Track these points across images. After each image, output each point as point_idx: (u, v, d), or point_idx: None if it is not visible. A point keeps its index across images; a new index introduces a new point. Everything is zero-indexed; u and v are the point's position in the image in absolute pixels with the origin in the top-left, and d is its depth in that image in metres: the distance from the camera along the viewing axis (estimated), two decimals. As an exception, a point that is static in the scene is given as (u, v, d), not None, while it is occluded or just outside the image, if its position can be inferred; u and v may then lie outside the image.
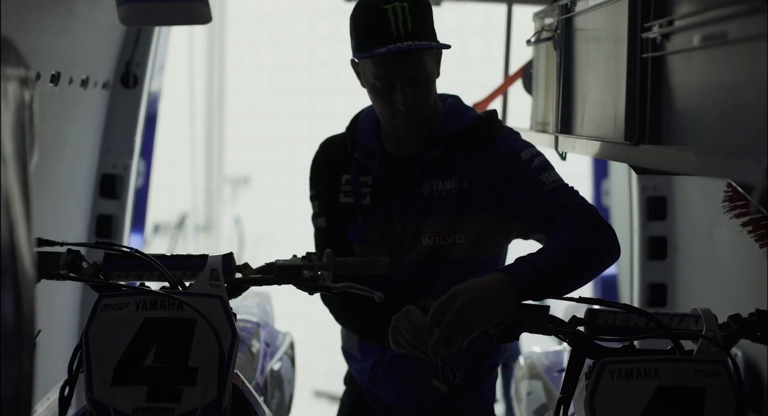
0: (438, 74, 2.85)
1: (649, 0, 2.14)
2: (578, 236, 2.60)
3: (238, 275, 2.59)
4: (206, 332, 2.43)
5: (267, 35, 9.32)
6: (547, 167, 2.79)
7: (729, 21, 1.71)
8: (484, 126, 2.88)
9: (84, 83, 3.76)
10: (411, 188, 2.86)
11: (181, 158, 9.13)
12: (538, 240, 2.85)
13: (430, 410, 2.97)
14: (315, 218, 3.01)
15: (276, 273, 2.59)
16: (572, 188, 2.77)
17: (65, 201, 3.95)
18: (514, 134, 2.88)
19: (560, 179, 2.77)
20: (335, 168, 2.97)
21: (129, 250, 2.62)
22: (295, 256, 2.62)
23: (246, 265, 2.59)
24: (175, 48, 4.73)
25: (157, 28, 4.34)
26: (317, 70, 8.94)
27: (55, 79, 3.35)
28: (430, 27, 2.81)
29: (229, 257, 2.56)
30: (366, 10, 2.81)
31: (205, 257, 2.55)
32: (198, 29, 8.90)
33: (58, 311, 4.02)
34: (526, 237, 2.92)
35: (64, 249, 2.64)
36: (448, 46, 2.82)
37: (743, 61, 1.65)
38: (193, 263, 2.56)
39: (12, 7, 2.80)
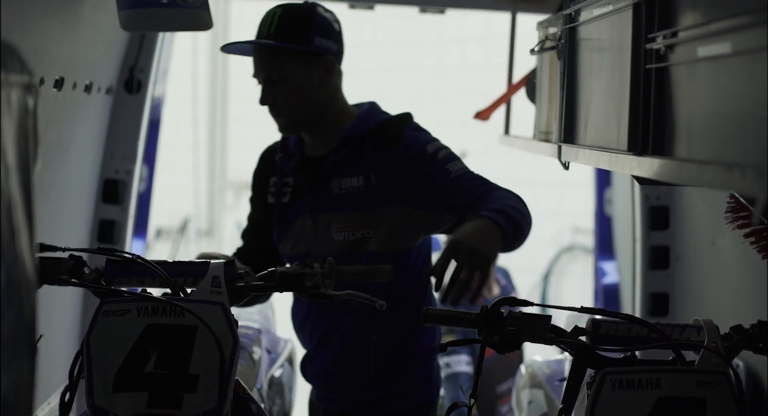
0: (319, 81, 3.06)
1: (654, 11, 2.13)
2: (509, 196, 2.92)
3: (240, 282, 2.59)
4: (207, 338, 2.43)
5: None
6: (452, 158, 3.03)
7: (733, 33, 1.71)
8: (390, 126, 3.10)
9: (87, 89, 3.76)
10: (321, 186, 3.07)
11: (184, 162, 9.14)
12: (446, 233, 3.06)
13: (356, 404, 3.15)
14: (247, 219, 3.31)
15: (277, 281, 2.59)
16: (479, 175, 3.02)
17: (68, 206, 3.95)
18: (420, 130, 3.11)
19: (465, 168, 3.02)
20: (267, 172, 3.24)
21: (131, 256, 2.62)
22: (296, 263, 2.62)
23: (248, 272, 2.59)
24: (179, 52, 4.74)
25: (161, 34, 4.34)
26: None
27: (58, 84, 3.35)
28: (303, 33, 3.02)
29: (230, 264, 2.56)
30: None
31: (207, 263, 2.55)
32: (202, 34, 8.90)
33: (60, 316, 4.01)
34: (433, 232, 3.13)
35: (66, 255, 2.64)
36: (305, 49, 3.01)
37: (747, 73, 1.65)
38: (195, 270, 2.57)
39: (15, 12, 2.81)
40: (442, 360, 4.66)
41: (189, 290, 2.54)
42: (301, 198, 3.11)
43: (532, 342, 2.41)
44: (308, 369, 3.24)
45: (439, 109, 8.46)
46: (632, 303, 4.24)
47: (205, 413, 2.40)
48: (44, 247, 2.64)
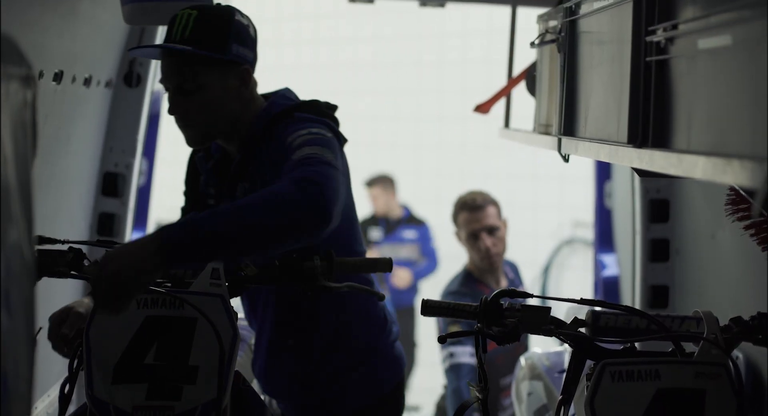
0: (235, 92, 2.78)
1: (654, 3, 2.13)
2: (273, 194, 2.46)
3: (240, 274, 2.59)
4: (207, 330, 2.43)
5: (270, 36, 9.32)
6: (306, 143, 2.64)
7: (733, 25, 1.71)
8: (273, 122, 2.81)
9: (87, 82, 3.76)
10: (230, 194, 2.86)
11: (183, 156, 9.14)
12: None
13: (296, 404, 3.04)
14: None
15: (277, 273, 2.59)
16: (326, 160, 2.58)
17: (67, 199, 3.95)
18: (296, 122, 2.77)
19: (316, 155, 2.59)
20: (196, 170, 3.02)
21: None
22: (296, 256, 2.62)
23: (247, 264, 2.59)
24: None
25: (160, 27, 4.34)
26: (320, 71, 8.95)
27: (57, 77, 3.35)
28: (220, 39, 2.74)
29: None
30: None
31: None
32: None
33: (58, 307, 4.01)
34: None
35: (65, 247, 2.64)
36: (222, 57, 2.73)
37: (747, 65, 1.65)
38: None
39: (14, 6, 2.81)
40: (446, 350, 4.64)
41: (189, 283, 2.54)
42: (220, 198, 2.92)
43: (531, 333, 2.42)
44: (254, 368, 3.14)
45: (440, 104, 8.46)
46: (632, 296, 4.25)
47: (205, 404, 2.41)
48: (44, 239, 2.64)
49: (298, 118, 2.80)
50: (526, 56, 4.03)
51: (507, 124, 4.25)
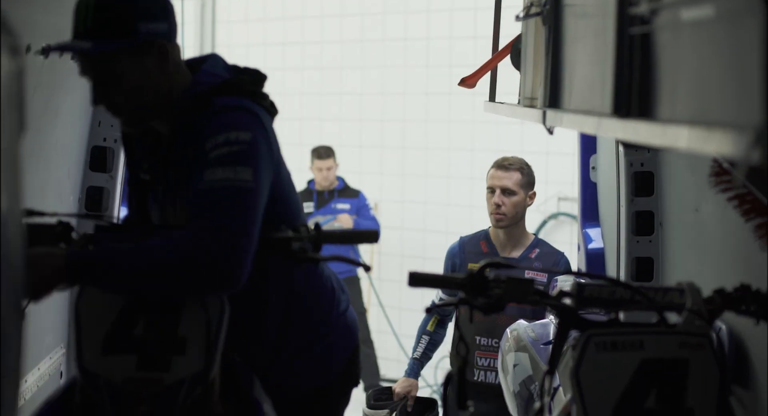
0: (157, 69, 2.66)
1: (637, -26, 2.15)
2: (179, 251, 2.44)
3: None
4: (195, 301, 2.45)
5: (258, 12, 9.30)
6: (221, 162, 2.55)
7: (715, -4, 1.72)
8: (197, 105, 2.68)
9: (74, 56, 3.76)
10: (162, 177, 2.77)
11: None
12: None
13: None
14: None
15: (265, 245, 2.60)
16: (237, 186, 2.53)
17: (55, 173, 3.96)
18: (217, 115, 2.63)
19: (218, 183, 2.52)
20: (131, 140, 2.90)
21: (119, 222, 2.63)
22: (284, 227, 2.64)
23: None
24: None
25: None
26: (307, 47, 8.93)
27: (45, 51, 3.34)
28: (126, 23, 2.60)
29: None
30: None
31: None
32: (189, 5, 8.88)
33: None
34: None
35: (54, 220, 2.65)
36: (131, 43, 2.60)
37: (729, 36, 1.67)
38: None
39: (2, -21, 2.80)
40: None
41: None
42: (153, 184, 2.81)
43: (516, 303, 2.44)
44: None
45: (426, 79, 8.46)
46: (617, 268, 4.27)
47: (194, 375, 2.42)
48: (32, 212, 2.65)
49: (218, 107, 2.66)
50: (511, 32, 4.04)
51: (492, 97, 4.25)
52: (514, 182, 4.72)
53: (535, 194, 4.79)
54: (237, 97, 2.70)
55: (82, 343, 2.45)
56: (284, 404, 2.87)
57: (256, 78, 2.82)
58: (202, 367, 2.43)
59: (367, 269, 2.63)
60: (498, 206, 4.68)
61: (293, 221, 2.75)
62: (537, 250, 4.73)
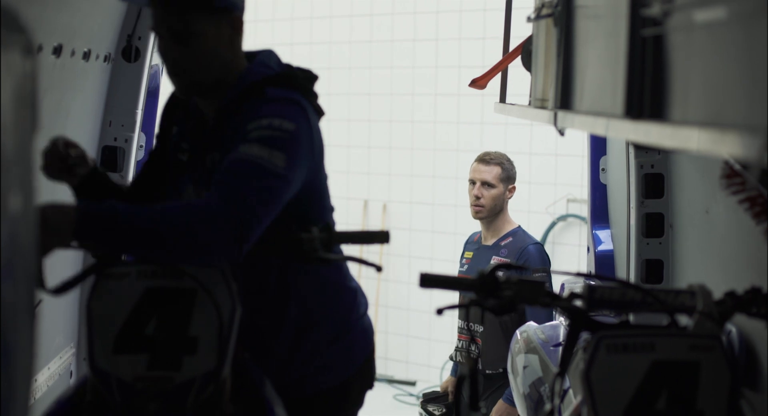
0: (228, 40, 2.73)
1: (650, -24, 2.14)
2: (193, 213, 2.45)
3: None
4: (207, 301, 2.45)
5: (267, 13, 9.30)
6: (258, 141, 2.59)
7: (729, -2, 1.72)
8: (246, 94, 2.74)
9: (86, 56, 3.77)
10: (201, 160, 2.80)
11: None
12: None
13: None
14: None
15: (276, 244, 2.60)
16: (249, 171, 2.55)
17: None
18: (268, 103, 2.69)
19: (261, 158, 2.56)
20: (170, 119, 2.94)
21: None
22: (293, 228, 2.64)
23: None
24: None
25: (158, 2, 4.34)
26: (315, 48, 8.93)
27: (57, 51, 3.35)
28: None
29: None
30: None
31: None
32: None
33: (58, 282, 4.03)
34: None
35: None
36: (216, 3, 2.66)
37: (743, 38, 1.67)
38: None
39: (14, -22, 2.81)
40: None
41: None
42: (190, 166, 2.85)
43: (527, 305, 2.44)
44: None
45: (436, 80, 8.46)
46: (627, 270, 4.27)
47: (205, 375, 2.43)
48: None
49: (270, 97, 2.72)
50: (520, 33, 4.04)
51: (503, 98, 4.26)
52: (494, 175, 4.99)
53: (514, 188, 5.06)
54: (289, 90, 2.76)
55: (93, 342, 2.46)
56: (298, 403, 2.89)
57: (309, 76, 2.88)
58: (213, 366, 2.43)
59: (379, 269, 2.63)
60: (477, 198, 4.99)
61: (326, 218, 2.81)
62: (510, 239, 4.99)
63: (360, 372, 3.04)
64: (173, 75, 2.74)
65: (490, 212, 4.98)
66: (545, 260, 4.90)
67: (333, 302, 2.96)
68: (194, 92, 2.78)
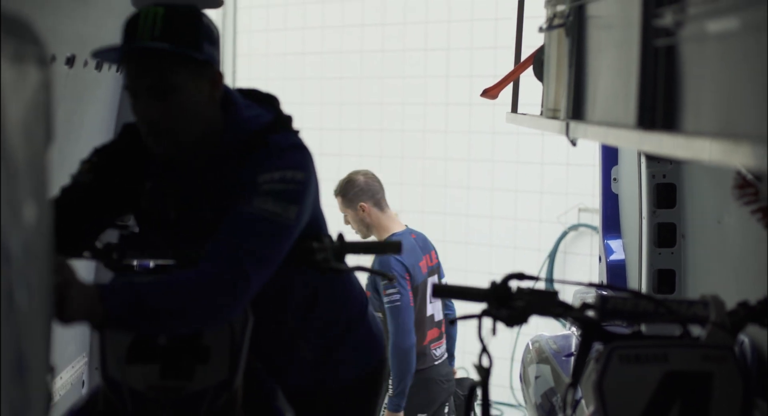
0: (208, 96, 2.61)
1: (663, -14, 2.15)
2: (185, 282, 2.40)
3: None
4: None
5: (278, 23, 9.32)
6: (273, 194, 2.54)
7: (741, 8, 1.72)
8: (252, 141, 2.65)
9: (98, 66, 3.78)
10: (192, 207, 2.69)
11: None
12: None
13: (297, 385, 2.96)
14: (79, 175, 2.81)
15: (289, 255, 2.61)
16: (279, 222, 2.52)
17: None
18: (274, 155, 2.62)
19: (277, 215, 2.52)
20: (135, 153, 2.76)
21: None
22: (306, 239, 2.64)
23: None
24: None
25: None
26: (327, 58, 8.95)
27: (70, 61, 3.37)
28: (193, 37, 2.55)
29: None
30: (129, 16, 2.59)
31: None
32: (209, 13, 8.90)
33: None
34: None
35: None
36: (198, 56, 2.55)
37: (755, 48, 1.67)
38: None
39: (28, -11, 2.82)
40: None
41: None
42: (170, 213, 2.74)
43: (540, 315, 2.44)
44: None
45: (447, 90, 8.46)
46: (639, 280, 4.26)
47: (217, 384, 2.43)
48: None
49: (276, 146, 2.64)
50: (531, 43, 4.04)
51: (515, 109, 4.26)
52: (341, 207, 5.27)
53: (363, 205, 5.23)
54: (290, 134, 2.70)
55: (106, 351, 2.47)
56: (311, 401, 2.96)
57: (289, 116, 2.80)
58: (226, 376, 2.44)
59: (390, 279, 2.64)
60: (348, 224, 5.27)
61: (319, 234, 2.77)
62: None
63: (375, 370, 3.09)
64: (152, 136, 2.59)
65: (365, 232, 5.22)
66: (391, 268, 4.79)
67: (346, 303, 3.01)
68: (175, 153, 2.64)
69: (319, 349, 2.96)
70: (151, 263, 2.60)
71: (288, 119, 2.75)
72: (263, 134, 2.65)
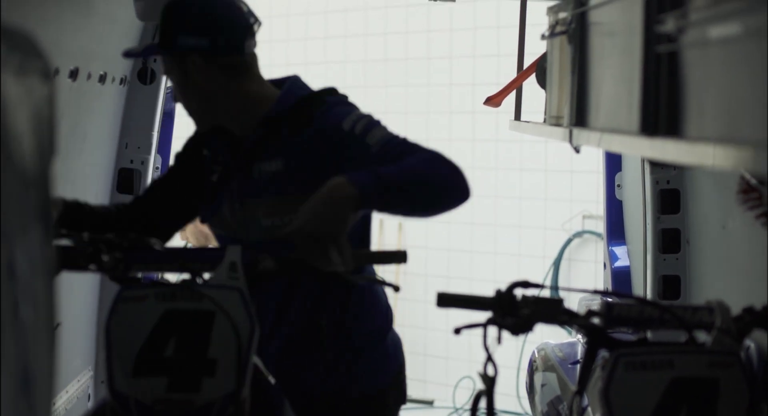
0: (198, 81, 2.85)
1: (664, -7, 2.15)
2: (429, 162, 2.65)
3: (257, 266, 2.61)
4: (225, 323, 2.46)
5: (281, 33, 9.34)
6: (370, 127, 2.80)
7: (743, 13, 1.72)
8: (306, 105, 2.90)
9: (102, 79, 3.79)
10: (245, 171, 2.91)
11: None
12: None
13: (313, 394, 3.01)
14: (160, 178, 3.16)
15: (295, 266, 2.61)
16: (402, 139, 2.77)
17: (83, 195, 3.95)
18: (336, 107, 2.90)
19: (387, 136, 2.78)
20: (199, 142, 3.08)
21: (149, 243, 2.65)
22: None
23: (265, 257, 2.61)
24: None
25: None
26: (330, 68, 8.96)
27: (73, 74, 3.37)
28: (167, 33, 2.83)
29: (248, 249, 2.58)
30: None
31: (224, 249, 2.58)
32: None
33: (77, 305, 4.05)
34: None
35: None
36: (168, 52, 2.84)
37: (758, 53, 1.67)
38: (213, 256, 2.59)
39: (31, 3, 2.83)
40: None
41: (207, 276, 2.56)
42: (228, 181, 2.96)
43: (546, 323, 2.44)
44: (262, 355, 3.04)
45: (450, 98, 8.47)
46: (644, 287, 4.26)
47: (224, 397, 2.43)
48: (63, 233, 2.67)
49: (332, 102, 2.91)
50: (534, 50, 4.05)
51: (518, 116, 4.26)
52: None
53: None
54: (338, 95, 2.99)
55: (112, 364, 2.46)
56: (337, 410, 3.01)
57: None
58: (233, 389, 2.43)
59: (396, 289, 2.63)
60: None
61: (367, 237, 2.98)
62: None
63: (395, 382, 3.11)
64: (190, 116, 2.96)
65: None
66: None
67: (370, 311, 3.05)
68: (207, 126, 2.96)
69: (344, 353, 2.99)
70: (159, 276, 2.61)
71: (335, 89, 3.01)
72: (313, 97, 2.92)
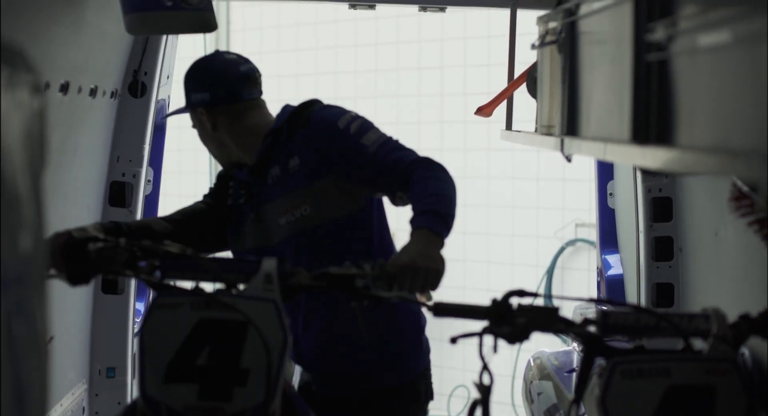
0: (215, 125, 3.24)
1: (653, 1, 2.15)
2: (434, 175, 2.99)
3: (292, 279, 2.62)
4: (257, 336, 2.46)
5: (272, 45, 9.34)
6: (366, 128, 3.12)
7: (732, 21, 1.72)
8: (299, 113, 3.21)
9: (93, 92, 3.78)
10: (258, 183, 3.22)
11: (188, 165, 9.16)
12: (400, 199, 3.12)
13: (351, 381, 3.23)
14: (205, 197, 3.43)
15: (329, 281, 2.60)
16: (396, 141, 3.10)
17: (75, 209, 3.97)
18: (329, 108, 3.22)
19: (381, 136, 3.10)
20: (228, 175, 3.40)
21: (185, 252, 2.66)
22: (347, 264, 2.64)
23: (299, 270, 2.62)
24: (181, 57, 4.76)
25: (164, 37, 4.36)
26: (321, 79, 8.96)
27: (64, 88, 3.37)
28: (186, 92, 3.27)
29: (283, 262, 2.59)
30: None
31: (259, 261, 2.58)
32: (205, 37, 8.91)
33: (69, 319, 4.04)
34: (393, 204, 3.20)
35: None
36: (186, 110, 3.28)
37: (747, 61, 1.67)
38: (248, 267, 2.59)
39: (21, 17, 2.83)
40: None
41: (241, 287, 2.57)
42: (252, 197, 3.26)
43: (541, 331, 2.43)
44: (296, 349, 3.25)
45: (441, 108, 8.48)
46: (637, 295, 4.26)
47: (254, 407, 2.43)
48: (102, 238, 2.71)
49: (324, 105, 3.22)
50: (524, 59, 4.05)
51: (509, 126, 4.26)
52: None
53: None
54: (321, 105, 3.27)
55: (145, 370, 2.47)
56: (368, 396, 3.22)
57: None
58: (263, 399, 2.43)
59: (430, 309, 2.62)
60: None
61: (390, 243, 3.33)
62: None
63: (424, 377, 3.33)
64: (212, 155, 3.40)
65: None
66: None
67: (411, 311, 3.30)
68: (229, 165, 3.34)
69: (379, 346, 3.19)
70: (190, 285, 2.62)
71: (313, 101, 3.30)
72: (301, 109, 3.23)
